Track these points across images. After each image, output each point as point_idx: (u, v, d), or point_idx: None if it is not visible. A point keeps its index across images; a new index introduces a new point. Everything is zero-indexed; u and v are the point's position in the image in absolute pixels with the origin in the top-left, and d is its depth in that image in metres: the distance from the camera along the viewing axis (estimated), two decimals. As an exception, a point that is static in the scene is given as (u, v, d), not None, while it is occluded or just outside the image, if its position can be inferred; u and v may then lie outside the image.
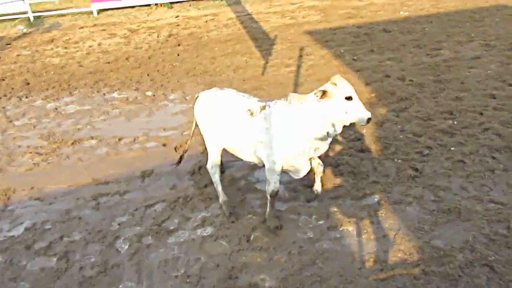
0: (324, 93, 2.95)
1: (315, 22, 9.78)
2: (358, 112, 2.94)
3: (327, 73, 6.60)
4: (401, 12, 9.90)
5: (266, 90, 6.22)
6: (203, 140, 3.79)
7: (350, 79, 6.31)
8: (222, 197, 3.68)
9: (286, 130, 3.13)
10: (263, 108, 3.24)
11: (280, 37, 8.83)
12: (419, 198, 3.65)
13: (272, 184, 3.31)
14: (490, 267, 2.91)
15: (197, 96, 3.65)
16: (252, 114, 3.25)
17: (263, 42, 8.57)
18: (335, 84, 2.96)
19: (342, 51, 7.67)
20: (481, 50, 6.96)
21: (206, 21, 10.55)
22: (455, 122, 4.72)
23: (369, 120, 2.96)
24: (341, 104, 2.94)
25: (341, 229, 3.43)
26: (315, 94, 3.00)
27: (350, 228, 3.43)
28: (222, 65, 7.45)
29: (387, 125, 4.86)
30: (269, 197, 3.38)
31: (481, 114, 4.86)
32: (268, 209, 3.44)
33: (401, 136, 4.59)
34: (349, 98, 2.93)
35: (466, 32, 7.91)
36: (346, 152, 4.41)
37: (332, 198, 3.76)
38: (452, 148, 4.25)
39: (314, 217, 3.58)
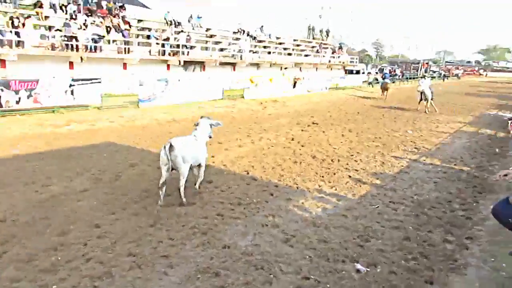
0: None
1: None
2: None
3: None
4: (13, 151, 9.80)
5: None
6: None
7: None
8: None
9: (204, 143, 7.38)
10: (195, 136, 7.20)
11: None
12: None
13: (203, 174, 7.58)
14: None
15: (171, 145, 6.50)
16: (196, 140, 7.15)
17: None
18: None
19: None
20: (89, 183, 7.73)
21: None
22: (59, 258, 4.83)
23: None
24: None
25: None
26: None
27: None
28: None
29: (-22, 275, 4.39)
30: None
31: (85, 244, 5.23)
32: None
33: (-5, 285, 4.24)
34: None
35: (77, 167, 8.65)
36: None
37: None
38: (54, 287, 4.28)
39: None
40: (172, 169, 6.65)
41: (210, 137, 7.49)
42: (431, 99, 21.15)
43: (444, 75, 68.29)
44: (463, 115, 21.23)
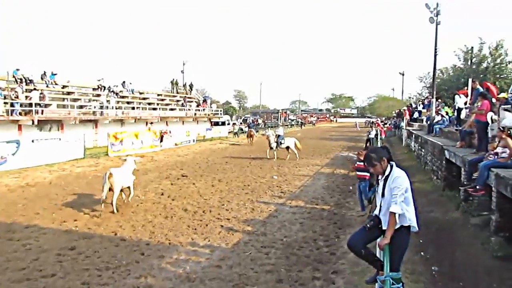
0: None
1: None
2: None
3: None
4: None
5: None
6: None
7: None
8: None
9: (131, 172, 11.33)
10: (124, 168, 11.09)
11: None
12: None
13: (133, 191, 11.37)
14: None
15: (110, 173, 9.97)
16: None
17: None
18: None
19: None
20: None
21: None
22: None
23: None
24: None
25: None
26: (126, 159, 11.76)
27: None
28: None
29: None
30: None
31: None
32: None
33: None
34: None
35: None
36: None
37: None
38: None
39: None
40: (110, 189, 10.07)
41: (134, 168, 11.65)
42: (278, 147, 22.31)
43: (301, 122, 74.70)
44: (321, 158, 23.34)
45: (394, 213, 4.19)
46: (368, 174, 9.91)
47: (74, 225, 9.00)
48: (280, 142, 22.46)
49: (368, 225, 4.55)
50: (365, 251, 4.54)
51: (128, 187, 11.01)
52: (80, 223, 9.15)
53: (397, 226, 4.29)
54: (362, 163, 10.05)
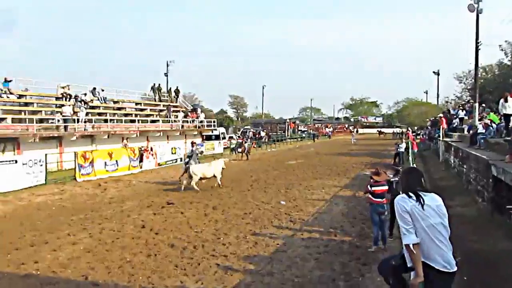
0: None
1: None
2: None
3: None
4: None
5: None
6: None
7: None
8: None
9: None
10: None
11: None
12: None
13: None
14: None
15: (192, 170, 19.57)
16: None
17: None
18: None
19: None
20: None
21: None
22: None
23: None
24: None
25: None
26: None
27: None
28: None
29: None
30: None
31: None
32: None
33: None
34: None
35: None
36: None
37: None
38: None
39: None
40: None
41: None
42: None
43: (314, 134, 74.72)
44: (339, 178, 23.38)
45: (408, 245, 4.23)
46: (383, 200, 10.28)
47: (34, 269, 9.01)
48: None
49: (394, 263, 4.61)
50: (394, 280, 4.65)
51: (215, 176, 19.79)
52: (42, 266, 9.16)
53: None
54: (379, 187, 10.38)
